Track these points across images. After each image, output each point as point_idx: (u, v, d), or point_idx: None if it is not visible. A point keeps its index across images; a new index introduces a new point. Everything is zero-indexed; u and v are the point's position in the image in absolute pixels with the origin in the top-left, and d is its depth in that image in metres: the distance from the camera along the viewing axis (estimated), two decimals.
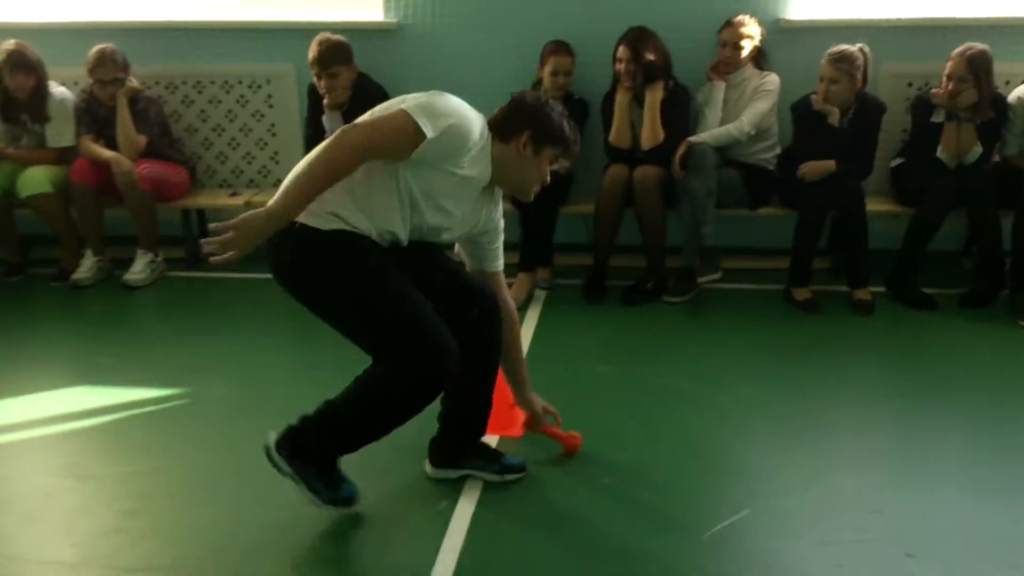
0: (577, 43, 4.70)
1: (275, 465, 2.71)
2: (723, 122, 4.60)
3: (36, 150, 4.98)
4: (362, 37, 4.80)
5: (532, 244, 4.61)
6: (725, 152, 4.63)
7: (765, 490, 2.98)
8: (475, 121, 2.64)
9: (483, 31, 4.95)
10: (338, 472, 2.83)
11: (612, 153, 4.65)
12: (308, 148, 4.81)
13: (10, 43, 4.83)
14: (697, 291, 4.58)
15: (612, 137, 4.61)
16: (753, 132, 4.53)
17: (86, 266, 4.99)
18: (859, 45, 4.39)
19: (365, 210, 2.60)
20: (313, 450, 2.74)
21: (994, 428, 3.39)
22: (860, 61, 4.34)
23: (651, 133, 4.51)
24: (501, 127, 2.74)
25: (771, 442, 3.31)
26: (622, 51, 4.47)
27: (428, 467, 3.04)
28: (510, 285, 3.45)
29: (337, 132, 2.51)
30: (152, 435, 3.45)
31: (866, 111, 4.44)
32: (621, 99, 4.56)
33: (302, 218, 2.54)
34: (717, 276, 4.43)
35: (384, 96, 4.70)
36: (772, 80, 4.58)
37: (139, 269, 4.97)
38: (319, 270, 2.60)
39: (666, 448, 3.26)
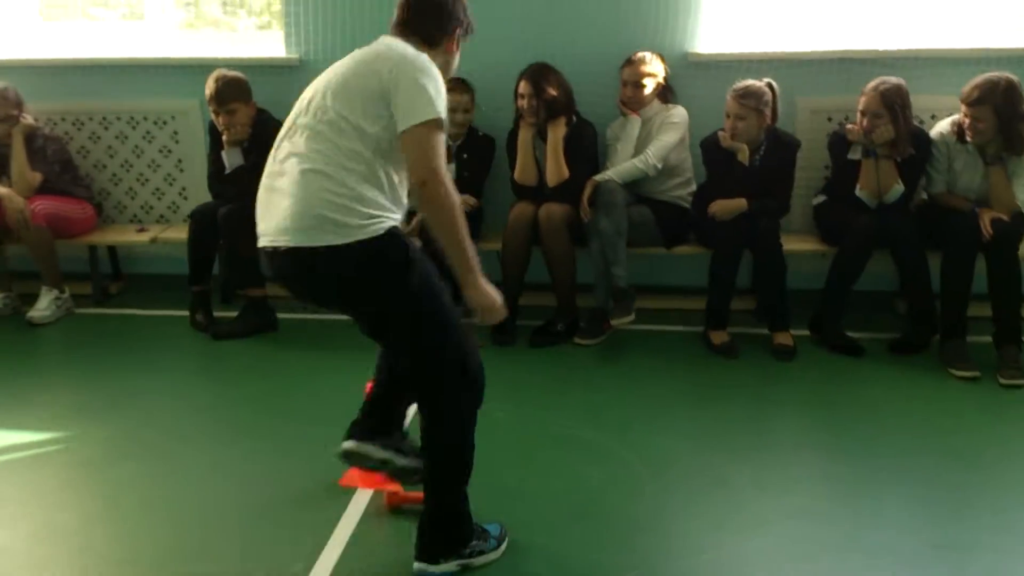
0: (481, 80, 4.57)
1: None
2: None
3: None
4: (264, 72, 4.68)
5: None
6: (638, 189, 4.49)
7: (656, 554, 2.81)
8: (424, 57, 2.56)
9: None
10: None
11: (518, 191, 4.51)
12: (211, 185, 4.73)
13: None
14: (610, 333, 4.41)
15: (517, 174, 4.47)
16: (660, 166, 4.37)
17: None
18: (766, 80, 4.25)
19: (395, 200, 2.54)
20: (453, 530, 2.75)
21: (918, 489, 3.16)
22: (767, 96, 4.20)
23: (555, 170, 4.36)
24: (429, 33, 2.67)
25: (671, 500, 3.12)
26: (523, 87, 4.34)
27: (351, 443, 2.80)
28: None
29: (432, 192, 2.41)
30: (24, 480, 3.32)
31: (778, 148, 4.30)
32: (524, 136, 4.43)
33: (356, 236, 2.42)
34: (630, 319, 4.24)
35: None
36: (678, 113, 4.43)
37: (43, 306, 4.84)
38: (388, 276, 2.49)
39: (556, 504, 3.08)
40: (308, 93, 2.62)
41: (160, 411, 3.86)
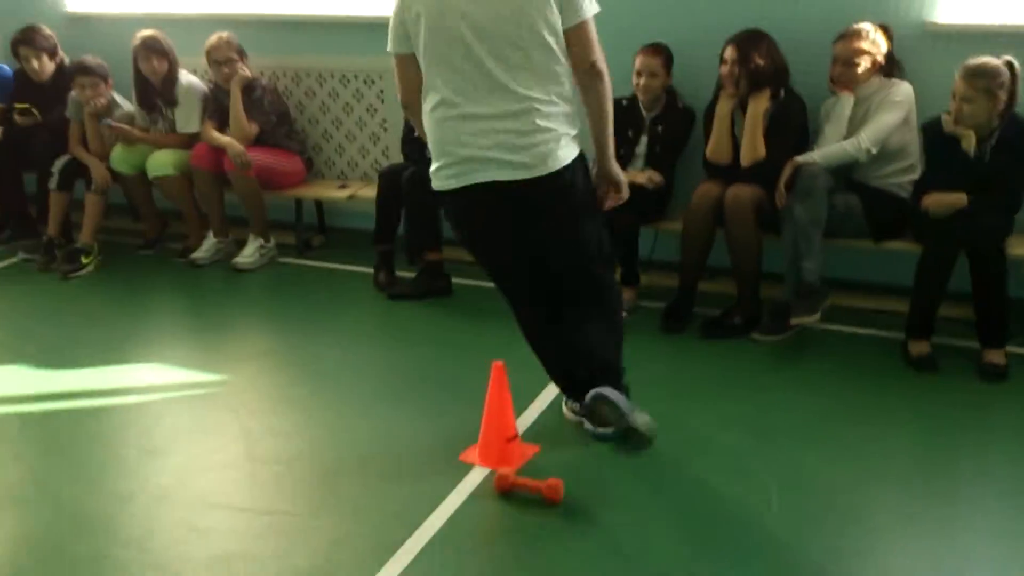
0: (682, 45, 4.25)
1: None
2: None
3: (166, 135, 5.19)
4: None
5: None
6: (850, 173, 4.01)
7: None
8: None
9: None
10: None
11: (710, 168, 4.16)
12: (402, 145, 4.76)
13: (146, 31, 5.05)
14: (794, 331, 3.99)
15: (710, 150, 4.12)
16: (875, 150, 3.84)
17: (205, 247, 5.20)
18: (1006, 58, 3.62)
19: None
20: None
21: None
22: (1004, 77, 3.56)
23: (751, 148, 3.97)
24: None
25: (791, 525, 2.77)
26: (728, 52, 3.96)
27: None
28: None
29: (600, 71, 2.83)
30: (179, 419, 3.56)
31: (1015, 137, 3.64)
32: (722, 108, 4.05)
33: (573, 150, 2.88)
34: (814, 318, 3.81)
35: None
36: (901, 90, 3.87)
37: (248, 253, 5.11)
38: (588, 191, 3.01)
39: (666, 516, 2.84)
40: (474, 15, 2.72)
41: (321, 365, 3.96)
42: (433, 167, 2.94)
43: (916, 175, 4.00)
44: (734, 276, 4.11)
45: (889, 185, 4.00)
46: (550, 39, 2.73)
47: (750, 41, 3.96)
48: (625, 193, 3.06)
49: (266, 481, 3.07)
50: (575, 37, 2.77)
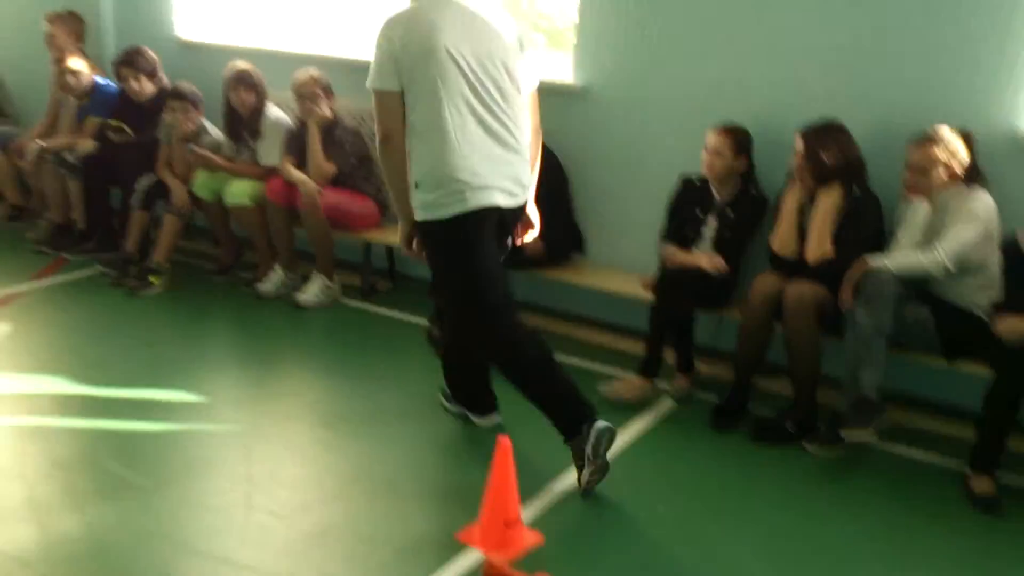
0: (770, 134, 4.10)
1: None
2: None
3: (247, 165, 5.27)
4: (548, 95, 4.51)
5: (657, 346, 4.04)
6: (922, 285, 3.72)
7: None
8: None
9: (667, 105, 4.48)
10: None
11: (774, 261, 3.94)
12: None
13: (239, 63, 5.16)
14: (848, 446, 3.68)
15: (775, 243, 3.91)
16: (953, 268, 3.55)
17: (272, 280, 5.23)
18: None
19: None
20: None
21: None
22: None
23: (817, 245, 3.75)
24: None
25: None
26: (797, 143, 3.78)
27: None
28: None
29: (541, 132, 3.41)
30: (190, 453, 3.51)
31: None
32: (789, 200, 3.86)
33: None
34: (866, 435, 3.52)
35: (556, 162, 4.52)
36: (981, 202, 3.56)
37: (311, 291, 5.12)
38: None
39: None
40: (467, 52, 3.05)
41: (352, 414, 3.89)
42: (429, 197, 3.09)
43: (995, 293, 3.69)
44: (791, 376, 3.86)
45: (967, 303, 3.69)
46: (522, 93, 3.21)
47: (817, 135, 3.78)
48: (535, 231, 3.46)
49: (253, 532, 2.98)
50: (531, 100, 3.30)
